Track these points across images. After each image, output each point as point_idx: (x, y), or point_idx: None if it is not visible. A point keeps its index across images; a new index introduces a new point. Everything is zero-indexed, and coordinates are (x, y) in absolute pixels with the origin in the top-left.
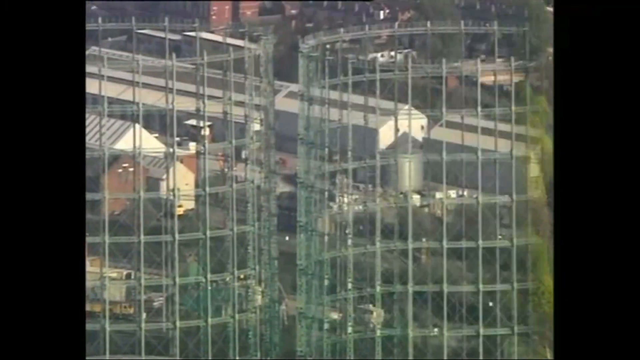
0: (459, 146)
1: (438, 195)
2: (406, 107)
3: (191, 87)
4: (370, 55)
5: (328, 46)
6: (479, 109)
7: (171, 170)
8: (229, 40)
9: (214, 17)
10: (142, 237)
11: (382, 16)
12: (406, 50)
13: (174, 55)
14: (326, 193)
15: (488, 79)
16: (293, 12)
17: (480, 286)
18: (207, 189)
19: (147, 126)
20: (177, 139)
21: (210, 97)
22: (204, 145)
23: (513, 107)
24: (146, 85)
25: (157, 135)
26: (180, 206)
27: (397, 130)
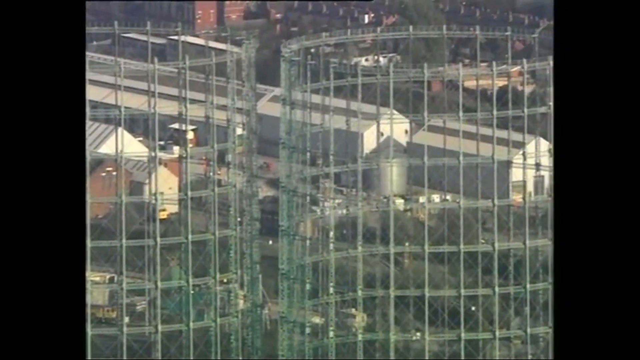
0: (444, 150)
1: (421, 199)
2: (389, 111)
3: (175, 91)
4: (355, 60)
5: (313, 50)
6: (461, 113)
7: (154, 174)
8: (214, 44)
9: (198, 20)
10: (124, 241)
11: (366, 20)
12: (390, 55)
13: (155, 59)
14: (307, 197)
15: (473, 84)
16: (278, 16)
17: (462, 291)
18: (189, 193)
19: (132, 130)
20: (161, 142)
21: (195, 101)
22: (185, 150)
23: (495, 112)
24: (131, 89)
25: (141, 139)
26: (163, 210)
27: (379, 134)
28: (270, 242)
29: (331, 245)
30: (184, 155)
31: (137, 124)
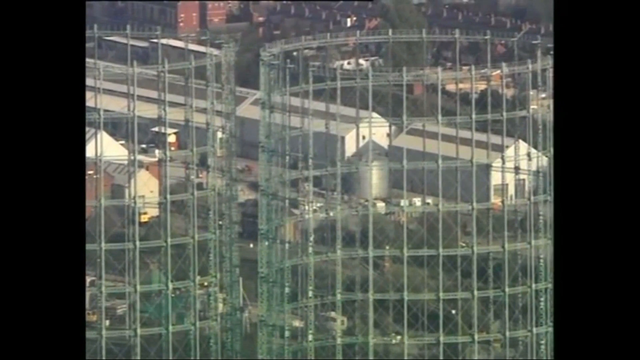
0: (426, 154)
1: (403, 202)
2: (371, 114)
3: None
4: (337, 63)
5: (295, 53)
6: (440, 117)
7: (135, 177)
8: (197, 48)
9: (181, 24)
10: (102, 244)
11: (349, 24)
12: (372, 58)
13: (134, 62)
14: (286, 201)
15: (454, 87)
16: (260, 19)
17: (441, 294)
18: (169, 196)
19: (114, 133)
20: (144, 145)
21: (175, 104)
22: (164, 153)
23: (473, 115)
24: (113, 92)
25: (123, 142)
26: (145, 213)
27: (359, 137)
28: (252, 245)
29: (310, 249)
30: (163, 159)
31: (119, 127)
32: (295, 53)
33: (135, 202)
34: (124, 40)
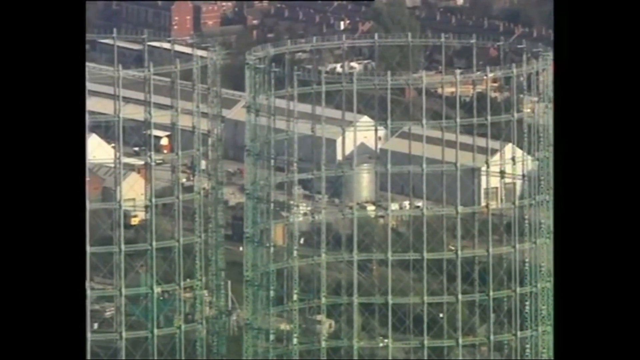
0: (416, 157)
1: (393, 206)
2: (363, 118)
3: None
4: (330, 66)
5: (287, 56)
6: (424, 120)
7: (125, 180)
8: (188, 50)
9: (175, 27)
10: (87, 247)
11: (342, 27)
12: (366, 61)
13: (120, 65)
14: (272, 205)
15: (448, 91)
16: (255, 22)
17: (425, 298)
18: (153, 199)
19: (106, 135)
20: (136, 148)
21: (162, 107)
22: (151, 156)
23: (458, 120)
24: (106, 95)
25: (114, 144)
26: (135, 216)
27: (344, 140)
28: (241, 248)
29: (295, 252)
30: (150, 162)
31: (112, 130)
32: (287, 56)
33: (120, 205)
34: (118, 43)
